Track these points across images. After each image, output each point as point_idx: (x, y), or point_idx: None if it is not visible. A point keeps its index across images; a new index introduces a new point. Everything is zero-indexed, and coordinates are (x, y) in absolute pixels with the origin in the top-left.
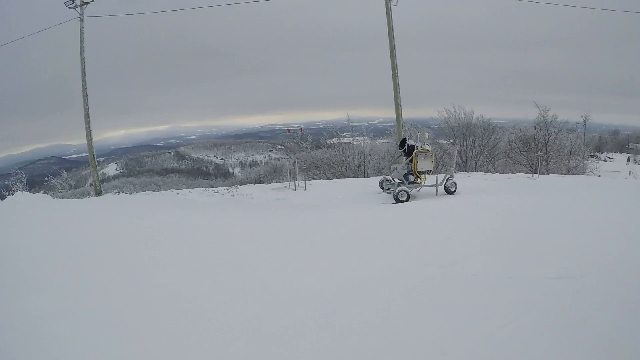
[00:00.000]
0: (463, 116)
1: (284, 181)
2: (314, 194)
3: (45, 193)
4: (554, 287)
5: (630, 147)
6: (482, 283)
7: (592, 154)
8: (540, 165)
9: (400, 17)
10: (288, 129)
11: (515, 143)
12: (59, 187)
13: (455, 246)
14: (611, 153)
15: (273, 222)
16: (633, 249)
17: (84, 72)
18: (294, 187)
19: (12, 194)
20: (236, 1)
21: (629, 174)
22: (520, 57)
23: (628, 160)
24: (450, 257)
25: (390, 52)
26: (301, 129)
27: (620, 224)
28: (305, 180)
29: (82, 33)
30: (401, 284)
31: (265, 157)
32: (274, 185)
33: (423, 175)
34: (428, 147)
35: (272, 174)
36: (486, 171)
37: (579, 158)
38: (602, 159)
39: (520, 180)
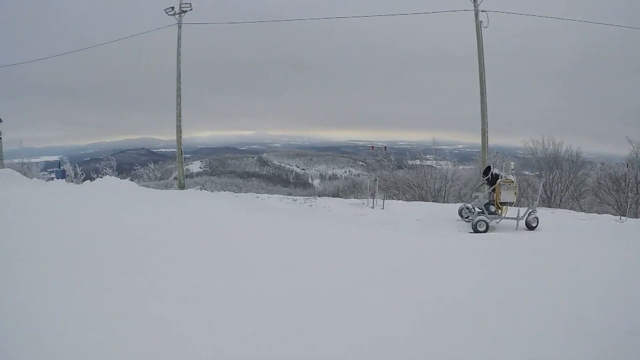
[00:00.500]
0: (551, 147)
1: (362, 197)
2: (391, 214)
3: (131, 180)
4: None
5: None
6: None
7: None
8: (630, 208)
9: (490, 39)
10: (372, 147)
11: (604, 181)
12: (145, 176)
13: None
14: None
15: (347, 238)
16: None
17: (179, 74)
18: (372, 205)
19: (102, 177)
20: (320, 16)
21: None
22: (618, 86)
23: None
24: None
25: (480, 76)
26: (385, 147)
27: None
28: (383, 199)
29: (179, 39)
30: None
31: (345, 172)
32: (352, 200)
33: (505, 206)
34: (512, 178)
35: (350, 189)
36: (571, 208)
37: None
38: None
39: (606, 222)
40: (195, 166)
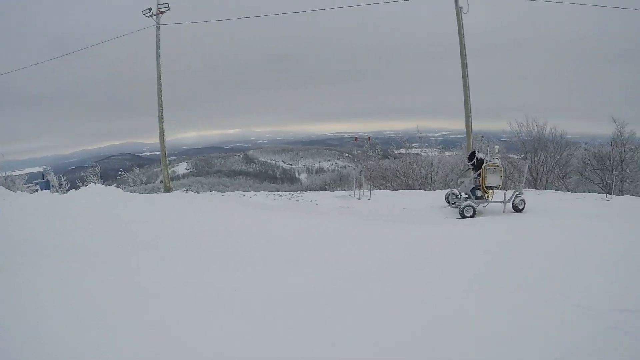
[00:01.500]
0: (536, 129)
1: (349, 189)
2: (378, 204)
3: (117, 186)
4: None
5: None
6: None
7: None
8: (615, 185)
9: (473, 25)
10: (356, 138)
11: (589, 160)
12: (130, 181)
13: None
14: None
15: (333, 230)
16: None
17: (159, 76)
18: (358, 196)
19: (86, 185)
20: (304, 9)
21: None
22: (604, 69)
23: None
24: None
25: (462, 62)
26: (369, 137)
27: None
28: (370, 190)
29: (158, 40)
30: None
31: (332, 165)
32: (339, 193)
33: (491, 190)
34: (498, 162)
35: (337, 182)
36: (557, 189)
37: None
38: None
39: (592, 201)
40: (182, 168)
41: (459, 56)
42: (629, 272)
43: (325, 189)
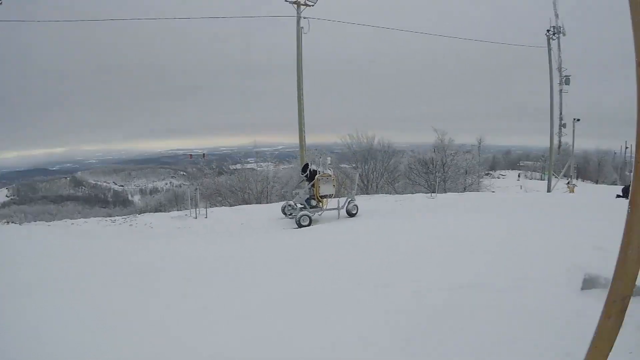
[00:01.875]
0: (365, 141)
1: (185, 209)
2: (215, 222)
3: None
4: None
5: (521, 164)
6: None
7: (486, 172)
8: (438, 185)
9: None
10: (190, 155)
11: (414, 165)
12: None
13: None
14: (504, 171)
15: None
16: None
17: None
18: (195, 215)
19: None
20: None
21: (520, 188)
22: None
23: (519, 176)
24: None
25: (297, 79)
26: (204, 154)
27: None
28: (206, 208)
29: None
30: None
31: (166, 184)
32: (174, 213)
33: (325, 199)
34: (330, 172)
35: (172, 202)
36: (387, 193)
37: (475, 176)
38: (496, 176)
39: (419, 201)
40: (1, 195)
41: (296, 73)
42: (457, 254)
43: (160, 210)
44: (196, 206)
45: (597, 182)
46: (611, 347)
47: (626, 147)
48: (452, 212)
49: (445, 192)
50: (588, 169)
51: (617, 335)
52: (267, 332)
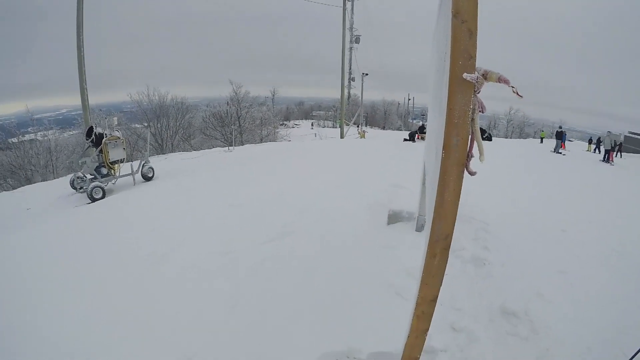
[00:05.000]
0: (157, 98)
1: None
2: None
3: None
4: None
5: (314, 114)
6: None
7: (281, 122)
8: (236, 138)
9: None
10: None
11: (209, 120)
12: None
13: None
14: (298, 120)
15: None
16: None
17: None
18: None
19: None
20: None
21: (315, 136)
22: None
23: (312, 125)
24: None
25: (77, 27)
26: None
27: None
28: None
29: None
30: None
31: None
32: None
33: (117, 165)
34: (118, 134)
35: None
36: (183, 150)
37: (270, 127)
38: (291, 126)
39: (216, 155)
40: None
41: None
42: (265, 209)
43: None
44: None
45: (384, 129)
46: (441, 282)
47: (409, 99)
48: (254, 165)
49: (243, 144)
50: (376, 118)
51: (444, 270)
52: None
